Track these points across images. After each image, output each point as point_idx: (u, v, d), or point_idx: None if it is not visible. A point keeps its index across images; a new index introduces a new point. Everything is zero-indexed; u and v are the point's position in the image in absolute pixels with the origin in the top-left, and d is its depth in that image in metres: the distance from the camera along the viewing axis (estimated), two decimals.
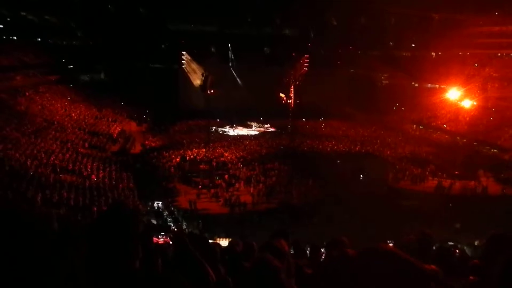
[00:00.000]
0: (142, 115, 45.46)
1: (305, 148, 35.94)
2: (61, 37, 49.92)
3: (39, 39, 47.93)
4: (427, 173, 27.31)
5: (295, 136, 40.65)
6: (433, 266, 2.47)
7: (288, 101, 42.74)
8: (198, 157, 30.68)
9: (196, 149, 33.93)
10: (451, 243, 9.78)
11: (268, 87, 49.29)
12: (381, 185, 23.68)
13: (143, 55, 50.51)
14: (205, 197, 22.76)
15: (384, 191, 22.87)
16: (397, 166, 28.76)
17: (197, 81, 45.98)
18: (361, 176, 25.16)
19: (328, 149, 35.27)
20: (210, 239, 12.85)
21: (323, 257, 4.72)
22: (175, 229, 16.93)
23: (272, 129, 51.98)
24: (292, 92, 42.11)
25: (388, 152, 33.72)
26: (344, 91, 51.68)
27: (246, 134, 47.97)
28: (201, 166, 27.42)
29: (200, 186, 24.19)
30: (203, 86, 39.32)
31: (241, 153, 32.75)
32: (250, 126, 51.85)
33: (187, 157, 30.37)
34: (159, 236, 13.55)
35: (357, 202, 19.66)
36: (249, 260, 3.13)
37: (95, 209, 17.09)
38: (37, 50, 44.90)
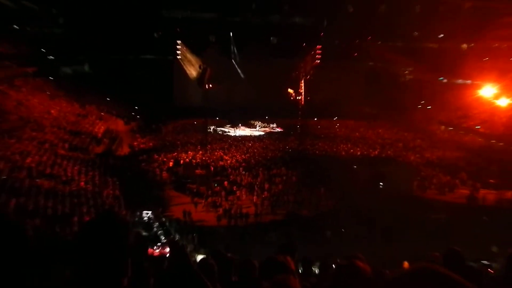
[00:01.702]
0: (130, 113, 45.84)
1: (317, 152, 35.98)
2: (41, 24, 50.13)
3: (16, 27, 48.18)
4: (457, 181, 26.98)
5: (305, 137, 40.67)
6: None
7: (298, 97, 42.79)
8: (193, 161, 30.78)
9: (191, 152, 34.12)
10: (484, 262, 9.59)
11: (275, 82, 49.30)
12: (404, 195, 23.46)
13: (133, 45, 50.71)
14: (201, 206, 22.75)
15: (407, 202, 22.64)
16: (423, 173, 28.56)
17: (193, 74, 46.24)
18: (381, 184, 24.97)
19: (343, 153, 35.27)
20: (203, 254, 12.76)
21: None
22: (171, 240, 16.88)
23: (278, 130, 52.03)
24: (302, 87, 42.14)
25: (412, 157, 33.58)
26: (362, 87, 51.65)
27: (249, 134, 47.72)
28: (197, 171, 27.46)
29: (195, 194, 24.24)
30: (201, 80, 39.49)
31: (243, 157, 32.83)
32: (254, 126, 51.92)
33: (181, 161, 30.48)
34: (155, 247, 13.50)
35: (376, 214, 19.52)
36: (247, 280, 3.02)
37: (76, 219, 17.01)
38: (13, 38, 45.14)
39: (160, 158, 31.53)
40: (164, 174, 28.09)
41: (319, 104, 44.12)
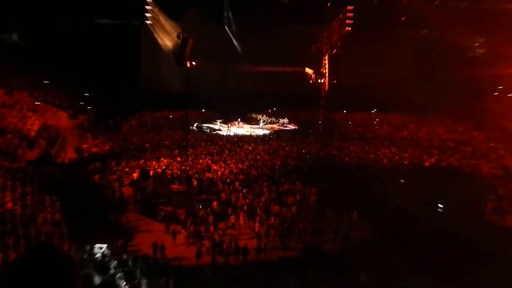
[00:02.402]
0: (78, 102, 45.88)
1: (347, 159, 35.94)
2: None
3: None
4: None
5: (330, 138, 40.57)
6: None
7: (319, 81, 42.59)
8: (168, 172, 30.77)
9: (165, 159, 34.19)
10: None
11: (286, 59, 49.11)
12: (473, 221, 23.26)
13: (82, 5, 50.56)
14: (179, 237, 22.64)
15: (476, 231, 22.44)
16: (500, 191, 28.37)
17: (169, 47, 46.14)
18: (440, 207, 24.77)
19: (385, 161, 35.24)
20: None
21: None
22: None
23: (291, 127, 51.74)
24: (326, 67, 41.95)
25: (485, 167, 33.47)
26: (411, 66, 51.40)
27: (248, 134, 48.14)
28: (174, 186, 27.27)
29: (171, 220, 24.09)
30: (180, 56, 39.23)
31: (240, 166, 32.80)
32: (256, 122, 51.74)
33: (151, 172, 30.45)
34: None
35: (432, 250, 19.35)
36: None
37: (1, 255, 16.94)
38: None
39: (120, 168, 31.40)
40: (126, 190, 27.94)
41: (350, 91, 43.99)
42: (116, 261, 20.35)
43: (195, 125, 47.12)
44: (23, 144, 32.48)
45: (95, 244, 20.93)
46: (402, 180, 28.48)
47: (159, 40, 47.57)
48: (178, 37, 33.90)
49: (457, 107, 46.19)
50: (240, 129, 49.03)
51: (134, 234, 23.26)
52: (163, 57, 46.67)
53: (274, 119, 52.56)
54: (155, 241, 21.37)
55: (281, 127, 50.75)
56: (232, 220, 24.41)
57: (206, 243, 22.03)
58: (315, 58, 43.72)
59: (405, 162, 34.89)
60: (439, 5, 54.56)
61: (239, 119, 50.13)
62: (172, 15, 47.94)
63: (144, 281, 19.11)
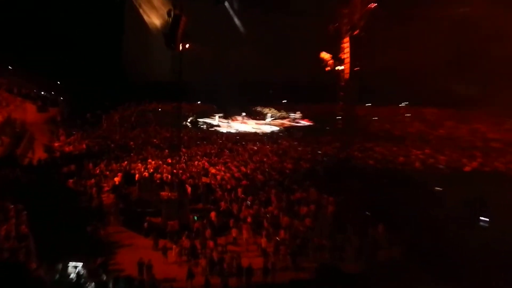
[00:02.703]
0: (49, 92, 46.56)
1: (371, 162, 35.81)
2: None
3: None
4: None
5: (352, 136, 40.39)
6: None
7: (338, 67, 42.44)
8: (157, 176, 30.77)
9: (153, 160, 34.17)
10: None
11: (298, 42, 49.03)
12: None
13: None
14: (170, 255, 22.57)
15: None
16: None
17: (157, 26, 46.07)
18: (483, 220, 24.66)
19: (417, 165, 35.09)
20: None
21: None
22: None
23: (305, 123, 51.87)
24: (346, 51, 41.83)
25: None
26: (449, 51, 51.15)
27: (253, 131, 49.09)
28: (164, 193, 27.44)
29: (160, 233, 24.00)
30: (170, 37, 39.21)
31: (244, 170, 32.70)
32: (262, 116, 51.84)
33: (136, 175, 30.49)
34: None
35: (474, 273, 19.24)
36: None
37: None
38: None
39: (99, 171, 31.39)
40: (106, 197, 27.97)
41: (375, 80, 43.86)
42: (93, 283, 20.32)
43: (189, 120, 47.21)
44: None
45: (68, 263, 20.88)
46: (437, 188, 28.36)
47: (146, 18, 47.52)
48: (168, 14, 33.85)
49: (504, 101, 45.90)
50: (243, 125, 49.06)
51: (116, 250, 23.19)
52: (151, 38, 46.59)
53: (284, 114, 52.69)
54: (140, 259, 21.31)
55: (292, 123, 50.87)
56: (234, 235, 24.28)
57: (202, 261, 21.94)
58: (333, 40, 43.51)
59: (441, 166, 34.73)
60: None
61: (243, 114, 50.20)
62: None
63: None
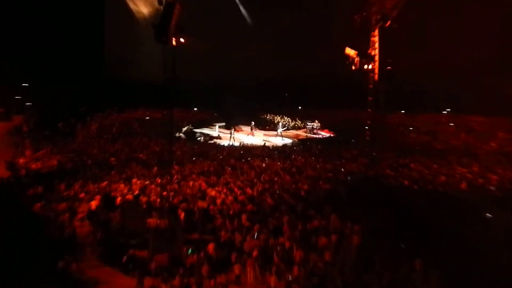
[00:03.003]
0: (11, 96, 46.35)
1: (405, 182, 35.50)
2: None
3: None
4: None
5: (381, 150, 40.14)
6: None
7: (365, 66, 42.26)
8: (143, 199, 30.46)
9: (139, 180, 34.16)
10: None
11: (317, 35, 48.98)
12: None
13: None
14: None
15: None
16: None
17: (144, 14, 46.05)
18: None
19: (463, 185, 34.63)
20: None
21: None
22: None
23: (324, 134, 51.66)
24: (376, 46, 41.64)
25: None
26: (504, 47, 50.91)
27: (261, 143, 48.88)
28: (151, 220, 26.98)
29: (146, 270, 23.54)
30: (161, 29, 39.18)
31: (249, 191, 32.49)
32: (272, 127, 51.64)
33: (118, 198, 30.15)
34: None
35: None
36: None
37: None
38: None
39: (73, 192, 31.22)
40: (81, 225, 27.62)
41: (411, 81, 43.62)
42: None
43: (183, 131, 47.06)
44: None
45: None
46: (488, 214, 28.00)
47: (131, 6, 47.58)
48: (159, 2, 33.82)
49: None
50: (250, 136, 48.92)
51: None
52: (137, 30, 46.61)
53: (299, 123, 52.42)
54: None
55: (309, 135, 50.60)
56: (237, 272, 23.59)
57: None
58: (360, 33, 43.44)
59: (493, 188, 34.25)
60: None
61: (253, 123, 50.12)
62: None
63: None
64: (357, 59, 42.65)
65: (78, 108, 45.14)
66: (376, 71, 39.45)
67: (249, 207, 29.80)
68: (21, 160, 36.43)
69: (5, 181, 33.05)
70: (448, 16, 47.74)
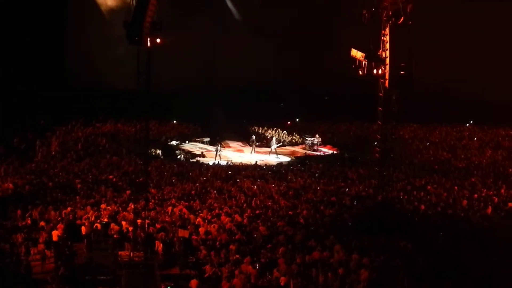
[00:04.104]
0: None
1: (422, 207, 35.57)
2: None
3: None
4: None
5: (393, 170, 40.41)
6: None
7: (374, 71, 42.56)
8: (115, 228, 30.41)
9: (109, 205, 34.09)
10: None
11: (318, 34, 49.24)
12: None
13: None
14: None
15: None
16: None
17: (113, 9, 46.32)
18: None
19: (489, 210, 34.63)
20: None
21: None
22: None
23: (326, 150, 51.83)
24: (386, 47, 42.03)
25: None
26: None
27: (252, 162, 49.00)
28: (124, 253, 27.41)
29: None
30: (133, 28, 39.55)
31: (238, 218, 32.46)
32: (265, 141, 51.84)
33: (85, 226, 30.11)
34: None
35: None
36: None
37: None
38: None
39: (31, 220, 31.11)
40: (41, 260, 27.64)
41: (428, 89, 43.98)
42: None
43: (161, 150, 47.12)
44: None
45: None
46: None
47: (98, 0, 47.91)
48: None
49: None
50: (239, 154, 49.00)
51: None
52: (106, 29, 46.84)
53: (296, 138, 52.53)
54: None
55: (308, 151, 50.65)
56: None
57: None
58: (369, 32, 43.68)
59: None
60: None
61: (239, 138, 50.05)
62: None
63: None
64: (364, 62, 42.80)
65: (36, 121, 45.16)
66: (387, 76, 39.66)
67: (238, 236, 29.81)
68: None
69: None
70: (468, 12, 48.14)
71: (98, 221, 31.41)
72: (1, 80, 46.49)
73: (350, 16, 43.62)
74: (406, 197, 38.17)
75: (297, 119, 52.05)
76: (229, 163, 47.19)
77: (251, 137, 50.18)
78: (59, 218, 31.64)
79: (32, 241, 29.02)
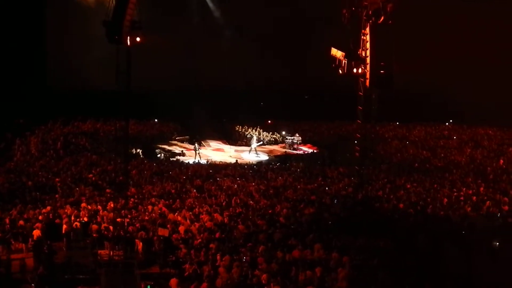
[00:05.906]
0: None
1: (401, 205, 35.70)
2: None
3: None
4: None
5: (373, 169, 40.56)
6: None
7: (354, 70, 42.69)
8: (94, 227, 30.28)
9: (89, 204, 33.90)
10: None
11: (298, 33, 49.42)
12: None
13: None
14: None
15: None
16: None
17: (93, 7, 46.20)
18: None
19: (468, 209, 34.73)
20: None
21: None
22: None
23: (306, 149, 52.07)
24: (367, 46, 42.16)
25: None
26: None
27: (232, 161, 49.00)
28: (103, 252, 27.29)
29: None
30: (113, 26, 39.47)
31: (218, 216, 32.42)
32: (245, 140, 51.83)
33: (64, 226, 29.96)
34: None
35: None
36: None
37: None
38: None
39: (9, 220, 31.00)
40: (20, 259, 27.57)
41: (408, 88, 44.11)
42: None
43: (140, 149, 47.02)
44: None
45: None
46: (496, 243, 28.35)
47: None
48: None
49: None
50: (218, 152, 49.03)
51: None
52: (85, 27, 46.69)
53: (276, 136, 52.56)
54: None
55: (288, 150, 50.70)
56: None
57: None
58: (349, 31, 43.86)
59: (504, 212, 34.65)
60: None
61: (219, 137, 50.03)
62: None
63: None
64: (344, 61, 42.98)
65: (15, 120, 44.98)
66: (368, 75, 39.78)
67: (218, 234, 29.81)
68: None
69: None
70: (450, 9, 48.32)
71: (77, 220, 31.28)
72: None
73: (330, 16, 43.67)
74: (385, 196, 38.21)
75: (277, 119, 52.01)
76: (208, 161, 47.18)
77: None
78: (39, 217, 31.47)
79: (10, 241, 28.86)
